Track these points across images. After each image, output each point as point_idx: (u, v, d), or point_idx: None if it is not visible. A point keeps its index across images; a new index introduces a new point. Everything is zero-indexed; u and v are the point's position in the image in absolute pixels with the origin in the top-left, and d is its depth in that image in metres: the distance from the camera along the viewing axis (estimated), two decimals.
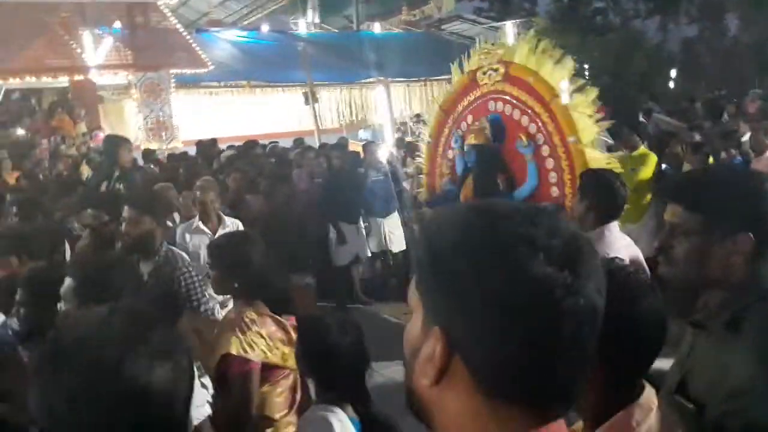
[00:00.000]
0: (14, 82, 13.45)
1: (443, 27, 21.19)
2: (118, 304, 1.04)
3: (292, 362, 2.43)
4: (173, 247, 3.42)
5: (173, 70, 11.25)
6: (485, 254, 0.72)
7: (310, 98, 12.22)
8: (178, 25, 11.63)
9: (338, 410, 2.00)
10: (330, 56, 15.07)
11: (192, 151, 10.00)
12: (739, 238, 1.57)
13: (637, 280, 1.43)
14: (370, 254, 7.20)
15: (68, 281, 2.09)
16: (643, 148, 6.32)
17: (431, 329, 0.75)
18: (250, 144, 9.22)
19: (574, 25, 26.44)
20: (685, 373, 1.77)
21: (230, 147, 10.00)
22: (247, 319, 2.44)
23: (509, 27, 19.63)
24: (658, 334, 1.43)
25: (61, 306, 2.06)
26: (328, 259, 6.76)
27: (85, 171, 9.93)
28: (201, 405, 2.44)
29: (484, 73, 5.25)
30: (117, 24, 12.24)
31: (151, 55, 11.05)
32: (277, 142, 10.67)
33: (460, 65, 5.65)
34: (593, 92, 4.59)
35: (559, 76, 4.62)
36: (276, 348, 2.47)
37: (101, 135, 12.90)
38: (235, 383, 2.34)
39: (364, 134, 14.70)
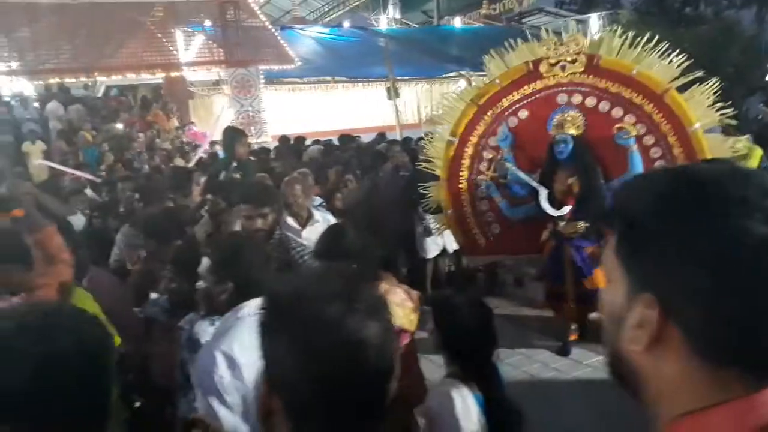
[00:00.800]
0: (113, 79, 14.28)
1: (524, 20, 20.86)
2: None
3: (414, 327, 2.52)
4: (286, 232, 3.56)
5: (262, 67, 11.60)
6: (699, 217, 0.72)
7: (392, 93, 12.32)
8: (268, 23, 11.97)
9: (462, 386, 2.05)
10: (411, 51, 15.12)
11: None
12: None
13: None
14: (456, 247, 7.19)
15: (205, 260, 2.22)
16: (746, 142, 6.04)
17: (639, 296, 0.76)
18: (347, 138, 9.39)
19: (662, 16, 25.34)
20: None
21: (315, 142, 10.22)
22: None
23: (594, 19, 19.10)
24: None
25: (200, 283, 2.20)
26: (415, 252, 6.80)
27: (180, 163, 10.40)
28: None
29: (553, 65, 5.03)
30: (208, 22, 12.73)
31: (241, 51, 11.44)
32: (358, 137, 10.82)
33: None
34: (712, 81, 4.48)
35: (666, 68, 4.48)
36: (405, 314, 2.56)
37: (193, 129, 13.51)
38: None
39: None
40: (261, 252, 2.28)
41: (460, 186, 5.61)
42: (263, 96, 11.52)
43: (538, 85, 5.20)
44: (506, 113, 5.42)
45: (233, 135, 6.03)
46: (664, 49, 4.71)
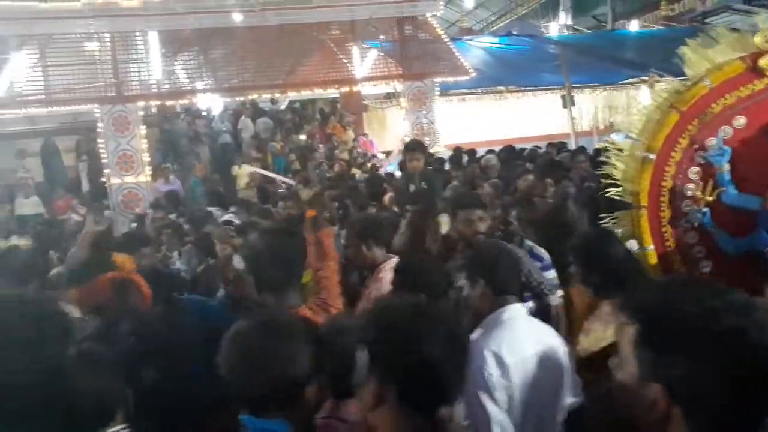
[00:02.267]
0: (295, 95, 15.36)
1: (707, 20, 19.31)
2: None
3: None
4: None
5: (437, 79, 11.87)
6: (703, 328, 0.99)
7: (567, 101, 12.02)
8: (444, 35, 12.23)
9: None
10: (585, 58, 14.64)
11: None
12: None
13: None
14: None
15: None
16: None
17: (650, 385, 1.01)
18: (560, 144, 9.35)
19: None
20: None
21: (490, 152, 10.24)
22: None
23: None
24: None
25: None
26: None
27: (356, 173, 10.96)
28: None
29: None
30: (382, 37, 13.26)
31: (418, 65, 11.79)
32: (539, 146, 10.65)
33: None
34: None
35: None
36: None
37: (365, 140, 14.15)
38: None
39: (616, 137, 14.02)
40: (513, 256, 2.39)
41: (662, 215, 4.63)
42: (436, 108, 11.77)
43: (758, 85, 4.45)
44: (718, 121, 4.80)
45: (407, 150, 6.24)
46: None
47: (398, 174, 9.54)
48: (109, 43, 10.96)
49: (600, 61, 14.57)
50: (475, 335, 2.15)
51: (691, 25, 18.67)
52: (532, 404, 2.09)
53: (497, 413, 2.00)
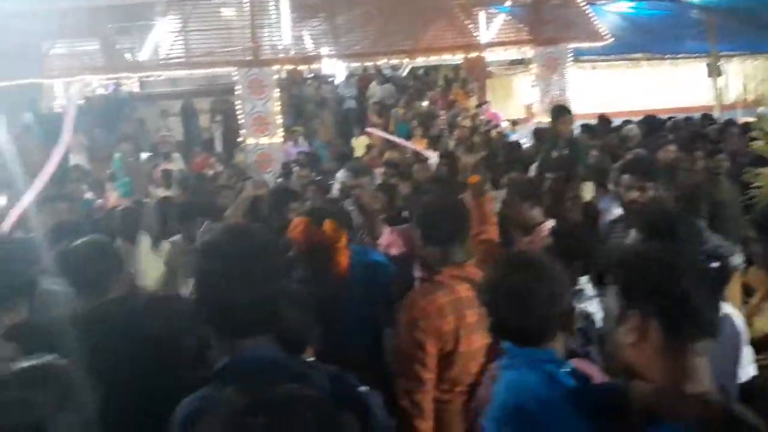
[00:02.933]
0: (418, 61, 15.29)
1: None
2: None
3: None
4: None
5: (571, 45, 11.35)
6: None
7: (714, 71, 11.13)
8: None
9: None
10: (734, 23, 13.45)
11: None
12: None
13: None
14: None
15: None
16: None
17: None
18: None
19: None
20: None
21: (626, 122, 9.71)
22: None
23: None
24: None
25: None
26: None
27: (476, 141, 10.78)
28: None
29: None
30: (508, 3, 12.84)
31: (550, 29, 11.32)
32: (672, 116, 9.99)
33: None
34: None
35: None
36: None
37: (489, 108, 13.88)
38: None
39: (766, 111, 12.85)
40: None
41: None
42: (569, 75, 11.27)
43: None
44: None
45: (554, 114, 6.06)
46: None
47: (525, 143, 9.31)
48: (246, 8, 11.37)
49: (752, 27, 13.34)
50: None
51: None
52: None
53: None
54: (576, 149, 5.43)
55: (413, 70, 16.46)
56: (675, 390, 1.29)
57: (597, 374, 1.78)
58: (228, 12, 12.54)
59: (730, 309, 2.27)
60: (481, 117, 13.27)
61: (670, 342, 1.32)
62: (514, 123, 12.14)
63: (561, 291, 1.69)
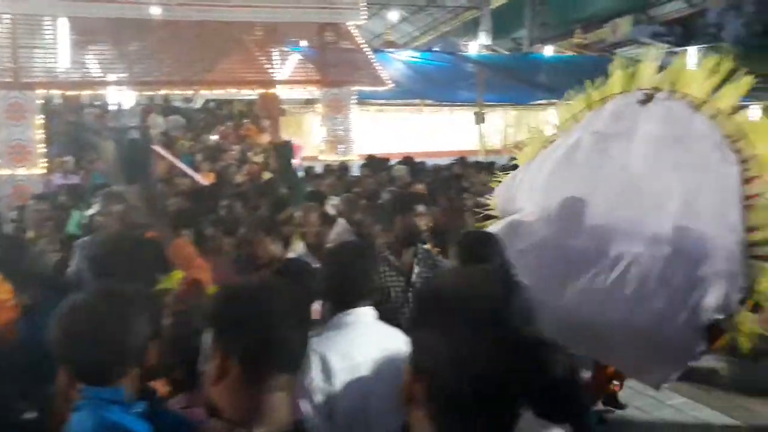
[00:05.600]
0: (211, 93, 15.00)
1: (616, 51, 20.42)
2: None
3: None
4: None
5: (355, 87, 11.90)
6: None
7: (479, 118, 12.34)
8: (364, 45, 12.30)
9: (552, 427, 2.03)
10: (500, 78, 15.12)
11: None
12: None
13: None
14: None
15: None
16: None
17: None
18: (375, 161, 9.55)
19: None
20: None
21: (401, 162, 10.36)
22: None
23: (692, 52, 18.45)
24: None
25: None
26: None
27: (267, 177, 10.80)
28: None
29: None
30: (304, 43, 13.20)
31: (336, 72, 11.79)
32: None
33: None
34: None
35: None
36: None
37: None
38: None
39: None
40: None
41: None
42: (353, 116, 11.80)
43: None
44: None
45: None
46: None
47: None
48: (8, 26, 10.33)
49: (514, 81, 15.10)
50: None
51: (600, 54, 19.68)
52: (360, 411, 2.04)
53: (309, 418, 1.96)
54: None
55: (206, 103, 16.12)
56: (246, 427, 1.31)
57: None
58: None
59: (402, 345, 2.32)
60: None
61: (246, 379, 1.33)
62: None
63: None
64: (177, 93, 14.47)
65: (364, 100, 12.89)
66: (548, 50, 18.92)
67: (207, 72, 13.11)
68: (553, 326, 3.22)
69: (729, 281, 3.43)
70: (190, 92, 14.01)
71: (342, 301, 2.16)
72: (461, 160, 10.14)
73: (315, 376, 2.00)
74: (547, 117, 14.09)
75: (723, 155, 3.83)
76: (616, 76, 4.67)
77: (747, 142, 3.78)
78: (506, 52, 19.98)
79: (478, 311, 1.01)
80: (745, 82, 3.93)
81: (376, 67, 12.18)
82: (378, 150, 12.11)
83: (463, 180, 7.98)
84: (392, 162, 9.97)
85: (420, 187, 6.55)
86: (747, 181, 3.74)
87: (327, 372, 2.01)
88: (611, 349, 3.47)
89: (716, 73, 4.07)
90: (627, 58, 4.63)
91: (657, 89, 4.30)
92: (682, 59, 4.28)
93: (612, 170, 4.36)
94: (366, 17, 12.22)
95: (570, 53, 19.42)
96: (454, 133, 14.06)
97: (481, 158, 11.69)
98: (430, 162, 11.63)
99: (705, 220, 3.67)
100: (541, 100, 14.03)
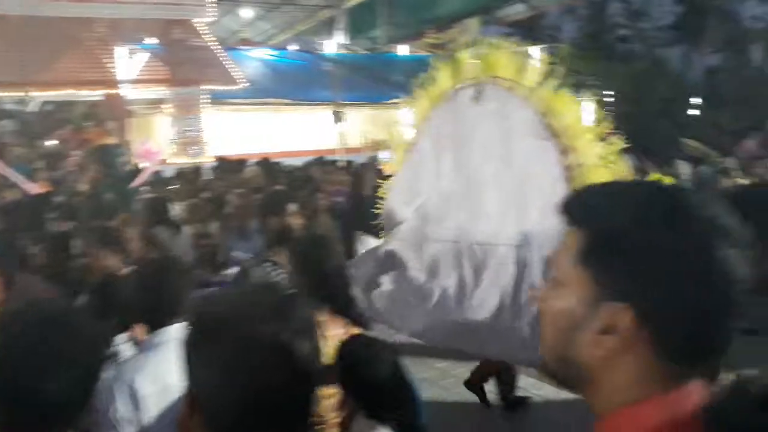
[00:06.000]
0: (49, 95, 13.79)
1: (468, 50, 21.35)
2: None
3: None
4: None
5: (206, 87, 11.45)
6: (676, 235, 0.79)
7: (337, 117, 12.38)
8: (214, 43, 11.86)
9: (380, 427, 2.03)
10: (357, 77, 15.27)
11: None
12: None
13: None
14: None
15: None
16: (655, 174, 6.45)
17: (607, 304, 0.81)
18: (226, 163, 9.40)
19: (598, 52, 26.51)
20: None
21: (258, 164, 10.13)
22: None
23: (534, 51, 19.76)
24: None
25: None
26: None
27: None
28: None
29: None
30: (152, 40, 12.51)
31: (184, 70, 11.28)
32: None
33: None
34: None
35: None
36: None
37: (146, 146, 13.15)
38: None
39: (385, 155, 14.77)
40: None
41: None
42: (205, 116, 11.35)
43: None
44: None
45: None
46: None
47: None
48: None
49: (370, 80, 15.32)
50: (110, 371, 1.95)
51: (451, 53, 20.47)
52: None
53: None
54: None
55: (44, 105, 14.80)
56: None
57: None
58: None
59: None
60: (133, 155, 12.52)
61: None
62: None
63: None
64: (7, 95, 13.15)
65: (218, 99, 12.47)
66: (403, 50, 19.39)
67: (40, 72, 12.05)
68: (425, 328, 3.39)
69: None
70: (21, 94, 12.77)
71: (152, 321, 2.02)
72: (318, 160, 10.11)
73: (120, 407, 1.87)
74: (402, 115, 14.48)
75: (540, 132, 4.11)
76: (443, 71, 4.88)
77: (556, 116, 4.07)
78: (363, 51, 20.23)
79: (243, 333, 0.95)
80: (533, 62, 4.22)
81: (228, 66, 11.81)
82: (235, 151, 11.78)
83: (321, 180, 7.95)
84: (248, 164, 9.74)
85: (280, 188, 6.42)
86: (563, 152, 4.03)
87: (135, 400, 1.88)
88: (480, 342, 3.60)
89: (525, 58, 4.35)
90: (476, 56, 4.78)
91: (480, 80, 4.57)
92: (496, 47, 4.51)
93: (458, 173, 4.63)
94: (214, 14, 11.79)
95: (423, 53, 20.03)
96: (314, 132, 14.01)
97: (340, 157, 11.74)
98: (289, 162, 11.55)
99: (539, 202, 3.87)
100: (396, 98, 14.33)
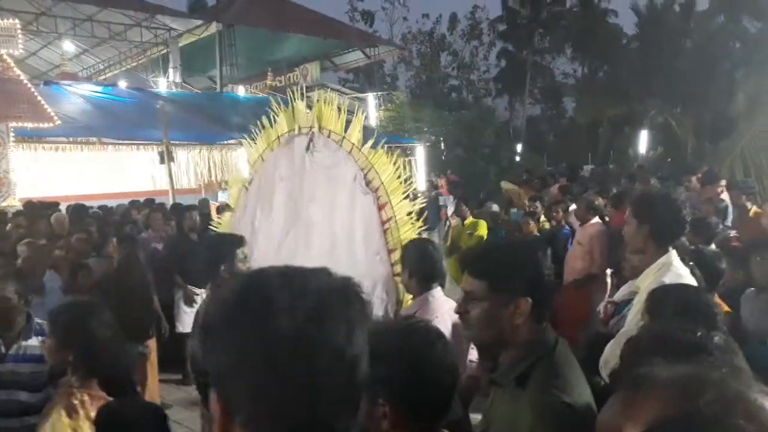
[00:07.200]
0: None
1: (308, 95, 21.72)
2: None
3: None
4: None
5: (14, 124, 10.46)
6: (248, 322, 0.85)
7: (166, 157, 11.87)
8: (22, 77, 10.93)
9: None
10: (191, 116, 14.85)
11: None
12: (520, 302, 1.75)
13: (428, 332, 1.59)
14: None
15: None
16: (471, 218, 7.13)
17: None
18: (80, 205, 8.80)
19: (431, 100, 28.22)
20: (487, 427, 1.92)
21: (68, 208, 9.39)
22: (76, 401, 2.27)
23: (371, 98, 20.55)
24: (450, 380, 1.56)
25: None
26: (172, 326, 6.44)
27: None
28: None
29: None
30: None
31: None
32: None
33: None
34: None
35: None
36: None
37: None
38: None
39: (222, 196, 14.40)
40: None
41: None
42: (13, 155, 10.34)
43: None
44: None
45: None
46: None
47: None
48: None
49: (204, 120, 14.96)
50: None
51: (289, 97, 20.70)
52: None
53: None
54: None
55: None
56: None
57: None
58: None
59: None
60: None
61: None
62: None
63: None
64: None
65: (29, 137, 11.43)
66: (241, 90, 19.27)
67: None
68: None
69: (389, 300, 3.94)
70: None
71: None
72: (133, 203, 9.67)
73: None
74: (239, 156, 14.26)
75: (361, 187, 4.34)
76: (281, 116, 5.00)
77: (375, 172, 4.31)
78: (199, 91, 19.81)
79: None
80: (359, 119, 4.49)
81: (40, 102, 10.92)
82: (50, 193, 10.82)
83: (139, 222, 7.54)
84: (61, 206, 8.99)
85: (81, 236, 5.96)
86: (380, 207, 4.27)
87: None
88: None
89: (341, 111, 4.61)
90: (314, 101, 4.89)
91: (311, 129, 4.71)
92: (323, 98, 4.70)
93: (290, 214, 4.79)
94: (22, 47, 10.92)
95: (262, 95, 20.06)
96: (144, 173, 13.31)
97: (167, 199, 11.23)
98: (112, 204, 10.82)
99: (362, 250, 4.19)
100: (232, 139, 14.11)
